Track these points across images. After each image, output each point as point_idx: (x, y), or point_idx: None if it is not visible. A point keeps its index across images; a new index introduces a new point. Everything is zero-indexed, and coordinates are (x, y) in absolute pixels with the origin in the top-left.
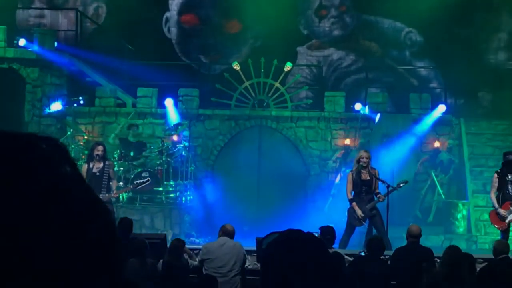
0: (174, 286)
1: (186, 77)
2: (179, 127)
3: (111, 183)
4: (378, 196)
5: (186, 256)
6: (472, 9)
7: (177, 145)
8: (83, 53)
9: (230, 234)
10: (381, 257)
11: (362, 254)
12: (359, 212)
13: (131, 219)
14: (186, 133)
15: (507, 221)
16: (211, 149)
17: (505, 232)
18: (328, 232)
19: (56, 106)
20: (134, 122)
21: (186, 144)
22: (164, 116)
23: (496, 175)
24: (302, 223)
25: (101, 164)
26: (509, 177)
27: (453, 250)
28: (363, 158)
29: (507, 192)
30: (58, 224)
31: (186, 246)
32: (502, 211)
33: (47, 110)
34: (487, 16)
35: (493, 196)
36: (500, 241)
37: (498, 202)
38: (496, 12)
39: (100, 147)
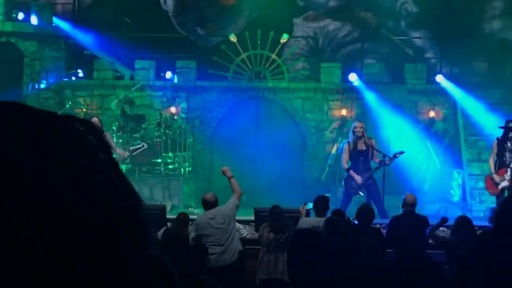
0: (172, 254)
1: (183, 49)
2: (177, 99)
3: None
4: (386, 160)
5: (189, 229)
6: None
7: (175, 117)
8: (81, 26)
9: (212, 204)
10: (372, 225)
11: (356, 222)
12: (357, 177)
13: None
14: (184, 105)
15: (500, 187)
16: (209, 121)
17: (498, 198)
18: (318, 201)
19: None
20: (131, 95)
21: (184, 116)
22: (162, 88)
23: (496, 141)
24: (299, 193)
25: None
26: (508, 144)
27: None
28: (356, 128)
29: (504, 159)
30: (90, 207)
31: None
32: (496, 177)
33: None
34: None
35: (491, 161)
36: (495, 209)
37: (495, 168)
38: None
39: (95, 119)
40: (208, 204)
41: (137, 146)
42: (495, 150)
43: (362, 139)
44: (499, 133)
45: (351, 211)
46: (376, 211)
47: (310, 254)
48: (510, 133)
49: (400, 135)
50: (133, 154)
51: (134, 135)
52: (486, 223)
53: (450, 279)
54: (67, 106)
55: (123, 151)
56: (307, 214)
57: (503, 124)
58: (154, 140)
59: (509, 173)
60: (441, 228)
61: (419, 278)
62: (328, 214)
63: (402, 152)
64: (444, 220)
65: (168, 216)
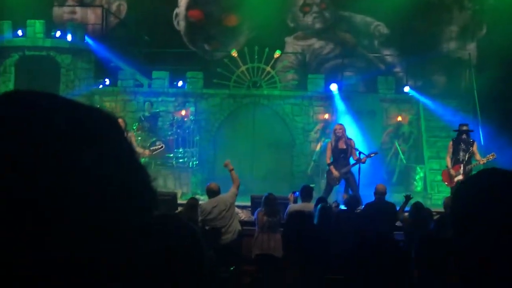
0: None
1: (192, 62)
2: (187, 103)
3: None
4: (362, 158)
5: (198, 212)
6: (429, 6)
7: (185, 119)
8: (108, 42)
9: (216, 192)
10: (356, 211)
11: (345, 208)
12: (335, 173)
13: None
14: (192, 108)
15: (455, 180)
16: (213, 122)
17: (452, 189)
18: (304, 190)
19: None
20: (149, 99)
21: (193, 118)
22: (174, 94)
23: (451, 142)
24: (288, 183)
25: None
26: (462, 145)
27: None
28: (337, 129)
29: (458, 157)
30: (114, 186)
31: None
32: (452, 172)
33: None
34: (441, 12)
35: (448, 158)
36: (450, 197)
37: (451, 164)
38: (448, 9)
39: (120, 120)
40: (212, 193)
41: (157, 147)
42: (450, 149)
43: (343, 139)
44: (454, 135)
45: (332, 199)
46: None
47: (298, 232)
48: (463, 135)
49: (373, 136)
50: (153, 153)
51: (151, 134)
52: (442, 209)
53: (408, 255)
54: None
55: (143, 150)
56: (295, 200)
57: (457, 128)
58: (167, 138)
59: (462, 168)
60: (406, 214)
61: (383, 254)
62: (312, 201)
63: (376, 153)
64: (407, 197)
65: (179, 202)
